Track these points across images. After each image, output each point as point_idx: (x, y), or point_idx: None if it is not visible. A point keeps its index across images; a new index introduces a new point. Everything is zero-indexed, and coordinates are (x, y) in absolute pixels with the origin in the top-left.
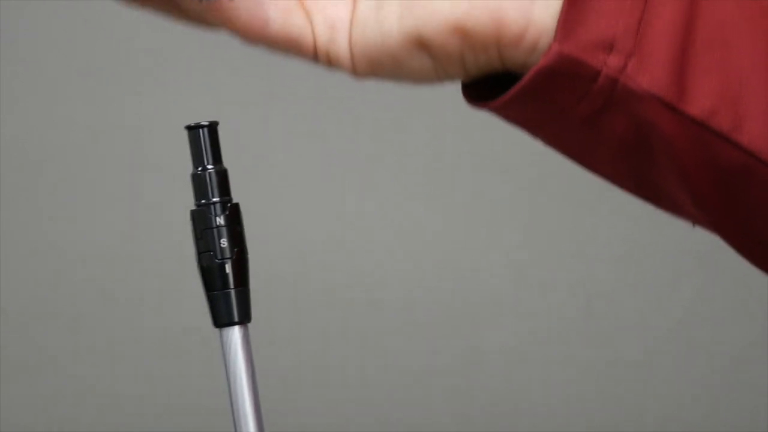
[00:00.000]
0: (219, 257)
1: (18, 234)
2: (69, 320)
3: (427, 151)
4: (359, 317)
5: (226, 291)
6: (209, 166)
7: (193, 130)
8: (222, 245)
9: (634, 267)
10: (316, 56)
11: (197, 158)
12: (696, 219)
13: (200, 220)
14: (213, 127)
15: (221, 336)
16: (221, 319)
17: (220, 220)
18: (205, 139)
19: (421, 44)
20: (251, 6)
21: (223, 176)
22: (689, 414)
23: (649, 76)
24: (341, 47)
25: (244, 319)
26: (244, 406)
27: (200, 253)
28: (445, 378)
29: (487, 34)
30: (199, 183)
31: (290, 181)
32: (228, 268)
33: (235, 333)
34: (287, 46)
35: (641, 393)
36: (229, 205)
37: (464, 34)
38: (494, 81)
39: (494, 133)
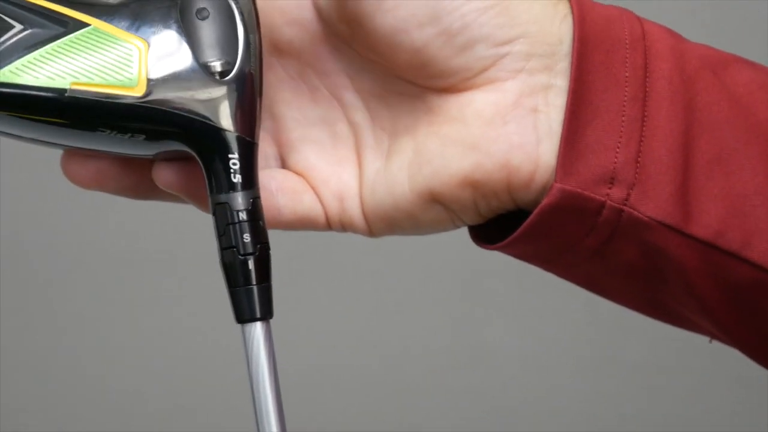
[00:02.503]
0: (242, 253)
1: (20, 233)
2: (80, 319)
3: None
4: (360, 317)
5: (249, 287)
6: None
7: None
8: (245, 241)
9: None
10: (330, 226)
11: None
12: (715, 336)
13: (223, 216)
14: None
15: (243, 332)
16: (243, 315)
17: (243, 216)
18: None
19: (434, 199)
20: (262, 201)
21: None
22: (689, 414)
23: (653, 203)
24: (354, 214)
25: (267, 315)
26: (267, 401)
27: (223, 249)
28: (445, 378)
29: (497, 182)
30: None
31: None
32: (251, 264)
33: (258, 329)
34: (300, 226)
35: (641, 393)
36: (251, 200)
37: (475, 186)
38: (503, 217)
39: None
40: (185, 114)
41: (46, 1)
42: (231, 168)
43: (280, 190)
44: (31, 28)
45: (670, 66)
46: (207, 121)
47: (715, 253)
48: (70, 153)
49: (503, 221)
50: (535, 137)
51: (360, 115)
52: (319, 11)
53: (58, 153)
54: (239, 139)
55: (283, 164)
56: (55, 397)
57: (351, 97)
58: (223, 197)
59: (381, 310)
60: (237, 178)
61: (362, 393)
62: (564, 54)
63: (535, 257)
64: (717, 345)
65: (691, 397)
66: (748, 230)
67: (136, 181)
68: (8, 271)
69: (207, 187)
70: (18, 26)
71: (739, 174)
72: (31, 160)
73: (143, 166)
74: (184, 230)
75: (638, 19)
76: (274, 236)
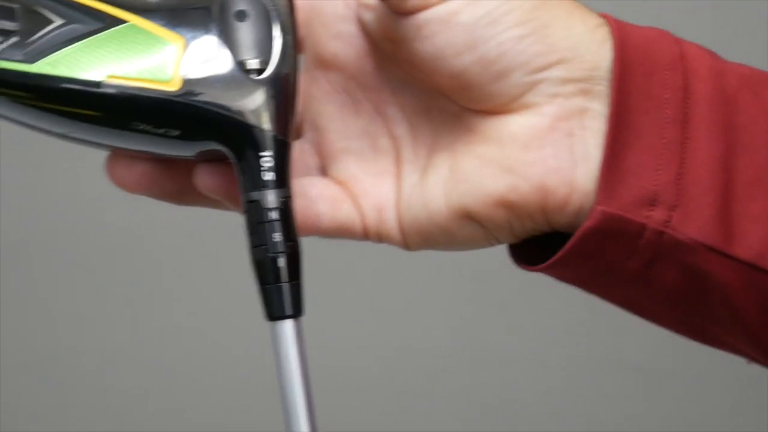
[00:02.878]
0: (272, 251)
1: (20, 231)
2: (81, 318)
3: None
4: (361, 317)
5: (279, 285)
6: None
7: None
8: (275, 239)
9: None
10: (367, 236)
11: None
12: (754, 359)
13: (254, 214)
14: None
15: (273, 330)
16: (274, 313)
17: (274, 215)
18: None
19: (469, 217)
20: (301, 207)
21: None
22: (689, 414)
23: (695, 224)
24: (390, 226)
25: (297, 313)
26: (297, 401)
27: (253, 247)
28: (445, 377)
29: (532, 204)
30: None
31: None
32: (281, 262)
33: (288, 327)
34: (338, 234)
35: (642, 393)
36: (283, 199)
37: (510, 207)
38: (543, 237)
39: None
40: (219, 110)
41: None
42: (263, 166)
43: (320, 197)
44: (70, 23)
45: (709, 86)
46: (240, 118)
47: (757, 273)
48: (116, 156)
49: (542, 241)
50: (571, 161)
51: (401, 130)
52: (363, 26)
53: (58, 150)
54: (272, 137)
55: (324, 174)
56: (55, 397)
57: (394, 112)
58: (254, 195)
59: (382, 310)
60: (269, 176)
61: (362, 393)
62: (600, 78)
63: (575, 279)
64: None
65: (691, 397)
66: None
67: (181, 186)
68: (8, 270)
69: (239, 185)
70: (58, 21)
71: None
72: (32, 157)
73: (188, 171)
74: (185, 228)
75: (676, 39)
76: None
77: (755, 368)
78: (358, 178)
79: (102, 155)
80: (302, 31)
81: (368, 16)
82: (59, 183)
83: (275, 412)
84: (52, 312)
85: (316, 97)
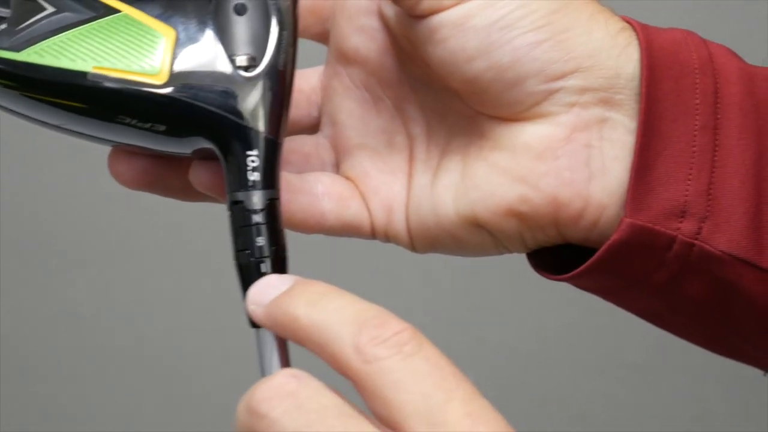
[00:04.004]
0: (256, 256)
1: (20, 230)
2: (80, 319)
3: None
4: None
5: None
6: None
7: None
8: (259, 243)
9: None
10: (374, 235)
11: None
12: None
13: (238, 217)
14: None
15: (258, 336)
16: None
17: (258, 218)
18: None
19: (478, 225)
20: (306, 204)
21: None
22: (688, 414)
23: (726, 236)
24: (399, 227)
25: None
26: None
27: (237, 251)
28: None
29: (543, 216)
30: None
31: None
32: (264, 267)
33: (270, 335)
34: (344, 232)
35: (641, 393)
36: (268, 201)
37: (520, 218)
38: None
39: None
40: (206, 106)
41: None
42: (249, 165)
43: (326, 194)
44: (62, 11)
45: (740, 90)
46: (228, 115)
47: None
48: (117, 152)
49: (560, 248)
50: (587, 174)
51: (418, 129)
52: (385, 22)
53: (58, 150)
54: (260, 136)
55: (337, 171)
56: (55, 397)
57: (413, 110)
58: (239, 195)
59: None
60: (255, 176)
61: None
62: (621, 86)
63: (597, 290)
64: None
65: (690, 396)
66: None
67: (182, 183)
68: (8, 270)
69: (225, 184)
70: (50, 9)
71: None
72: (32, 157)
73: (188, 168)
74: (185, 228)
75: (703, 40)
76: None
77: (754, 368)
78: (369, 175)
79: (101, 155)
80: (325, 24)
81: (389, 11)
82: (59, 183)
83: None
84: (52, 312)
85: (337, 91)
